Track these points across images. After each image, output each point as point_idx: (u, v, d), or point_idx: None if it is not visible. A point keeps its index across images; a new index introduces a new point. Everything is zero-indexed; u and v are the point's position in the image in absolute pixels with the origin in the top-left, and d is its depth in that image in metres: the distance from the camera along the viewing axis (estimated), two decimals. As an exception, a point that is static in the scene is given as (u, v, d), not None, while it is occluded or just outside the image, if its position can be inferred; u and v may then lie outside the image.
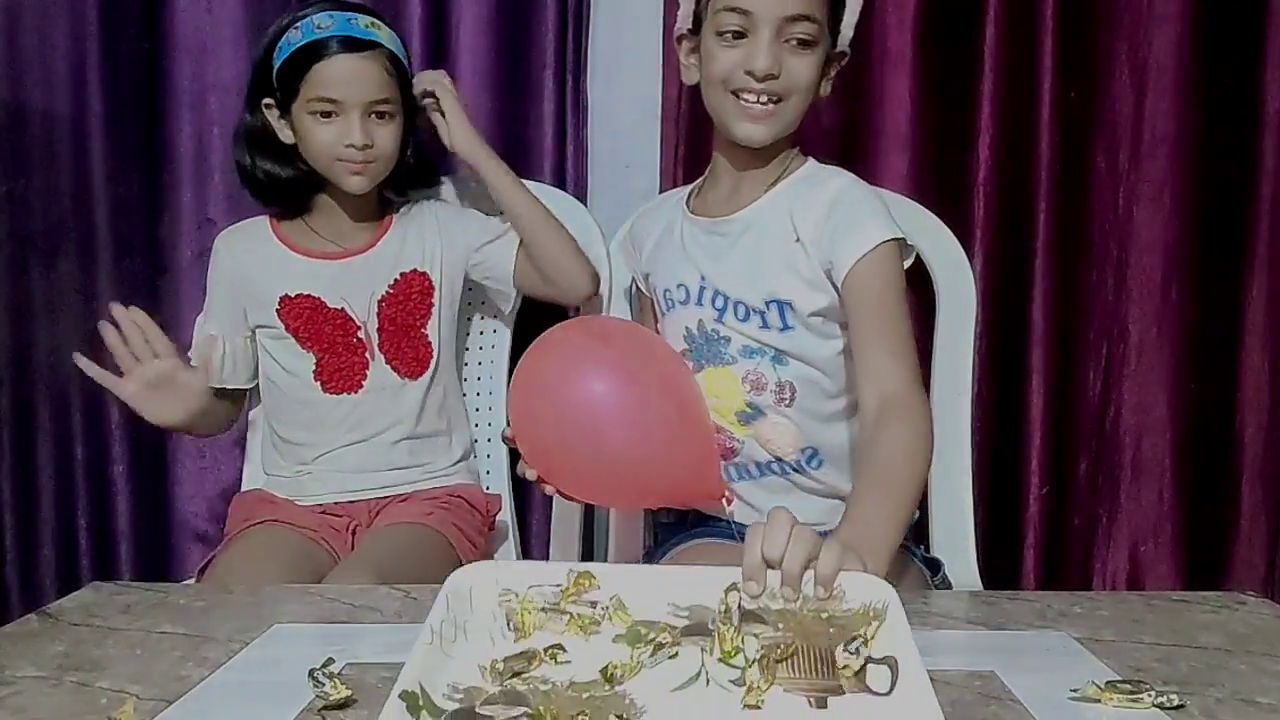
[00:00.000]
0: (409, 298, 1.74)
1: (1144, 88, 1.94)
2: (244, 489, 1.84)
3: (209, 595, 1.22)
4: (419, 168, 1.79)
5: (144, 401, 1.61)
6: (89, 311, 1.99)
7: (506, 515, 1.86)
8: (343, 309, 1.71)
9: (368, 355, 1.72)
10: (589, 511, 1.83)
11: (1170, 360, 1.99)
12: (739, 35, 1.43)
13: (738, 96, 1.45)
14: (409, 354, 1.74)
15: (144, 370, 1.59)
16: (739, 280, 1.50)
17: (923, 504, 1.73)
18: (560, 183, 1.99)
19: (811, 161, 1.56)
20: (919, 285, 1.90)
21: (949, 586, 1.58)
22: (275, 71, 1.64)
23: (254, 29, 1.97)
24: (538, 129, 2.00)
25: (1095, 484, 2.03)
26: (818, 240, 1.45)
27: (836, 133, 1.94)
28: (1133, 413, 2.00)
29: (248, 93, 1.71)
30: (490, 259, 1.77)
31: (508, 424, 1.50)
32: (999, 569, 1.91)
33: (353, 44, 1.61)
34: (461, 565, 1.58)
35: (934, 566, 1.56)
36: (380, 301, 1.72)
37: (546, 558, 1.84)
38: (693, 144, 1.95)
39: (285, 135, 1.68)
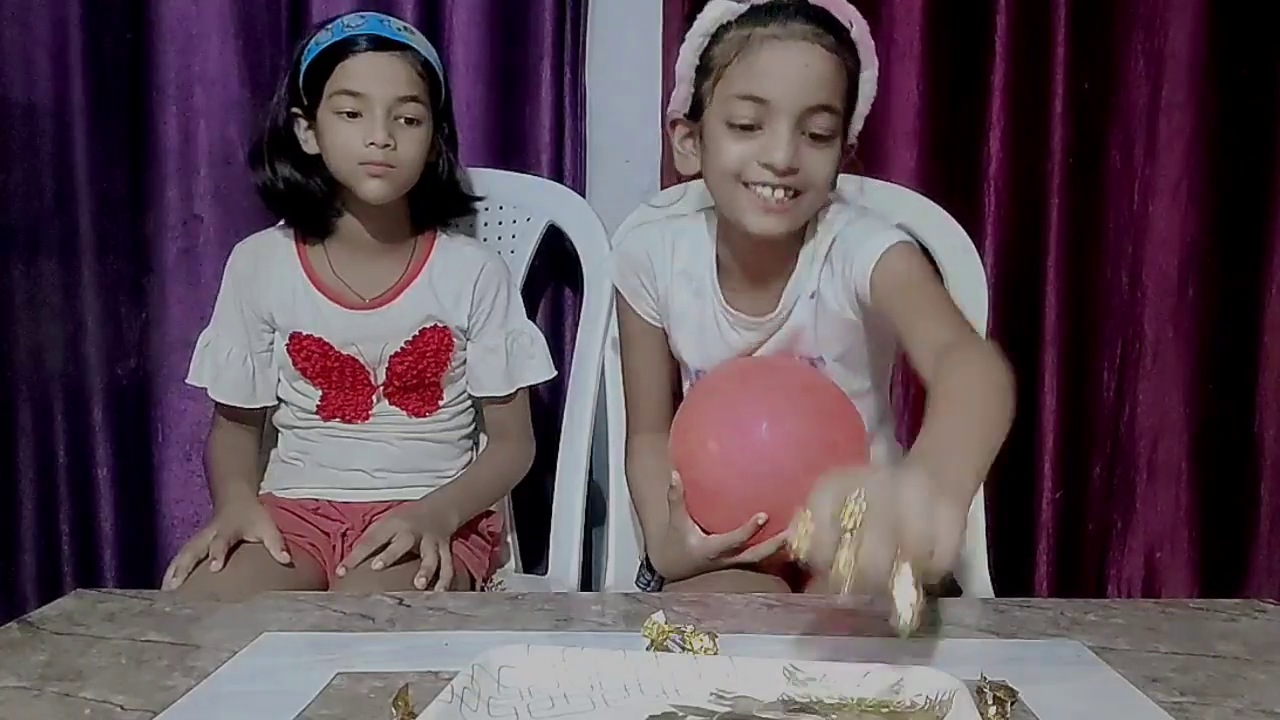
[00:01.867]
0: (424, 354, 1.70)
1: (1160, 79, 1.92)
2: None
3: (196, 603, 1.20)
4: (453, 190, 1.74)
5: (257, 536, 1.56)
6: (71, 310, 1.97)
7: (510, 534, 1.85)
8: (352, 355, 1.68)
9: (374, 398, 1.70)
10: (588, 526, 1.81)
11: (1187, 360, 1.97)
12: (753, 126, 1.36)
13: (749, 187, 1.38)
14: (415, 398, 1.72)
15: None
16: (789, 348, 1.50)
17: None
18: (558, 176, 1.97)
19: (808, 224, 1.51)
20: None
21: (957, 591, 1.57)
22: (303, 73, 1.61)
23: (240, 20, 1.97)
24: (535, 122, 1.98)
25: (1110, 488, 2.01)
26: (834, 281, 1.44)
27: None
28: (1148, 414, 1.98)
29: (275, 102, 1.67)
30: (471, 371, 1.75)
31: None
32: (1011, 575, 1.88)
33: (382, 43, 1.59)
34: (472, 579, 1.60)
35: None
36: (393, 356, 1.69)
37: (545, 569, 1.82)
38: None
39: (310, 146, 1.64)
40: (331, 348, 1.68)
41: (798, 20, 1.34)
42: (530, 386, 1.77)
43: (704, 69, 1.40)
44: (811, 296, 1.45)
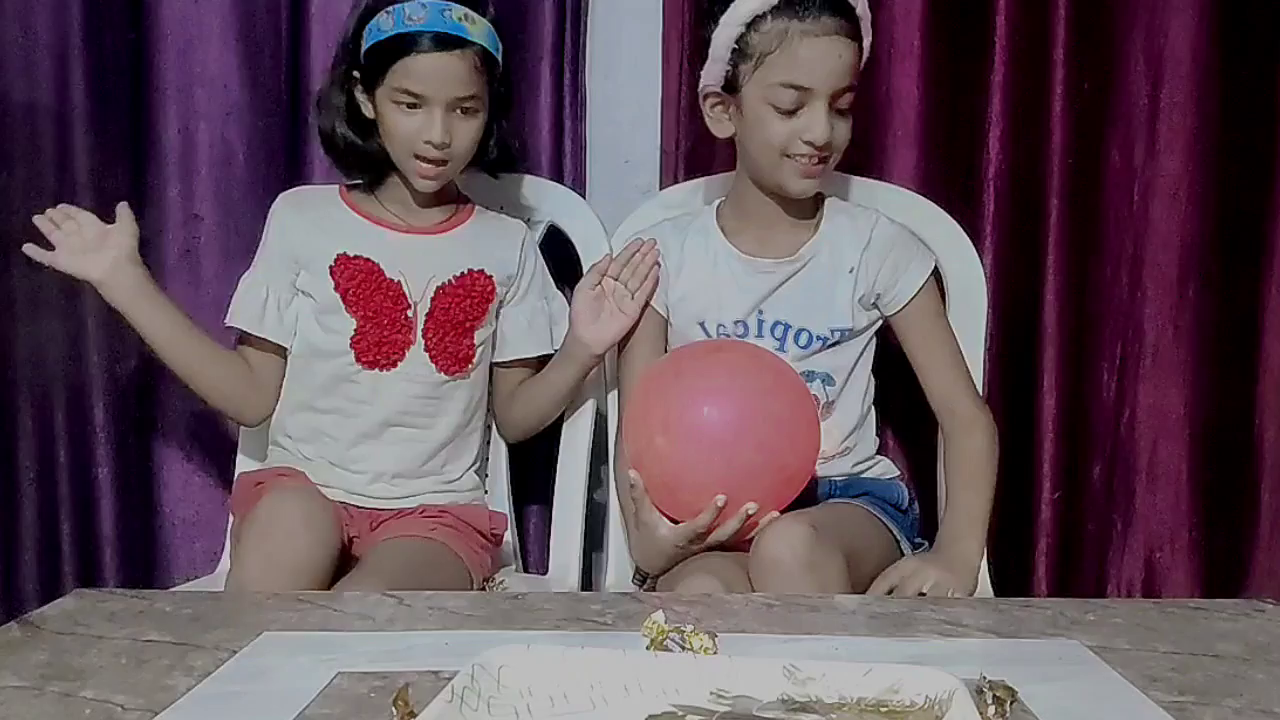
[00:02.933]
0: (469, 295, 1.71)
1: (1160, 79, 1.91)
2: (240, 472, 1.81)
3: (196, 602, 1.20)
4: (501, 158, 1.76)
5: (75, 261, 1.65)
6: (72, 310, 1.96)
7: (509, 534, 1.83)
8: (399, 282, 1.68)
9: (410, 336, 1.69)
10: (589, 525, 1.81)
11: (1187, 360, 1.96)
12: (794, 110, 1.55)
13: (791, 158, 1.58)
14: (450, 349, 1.71)
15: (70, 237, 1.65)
16: (801, 312, 1.65)
17: (932, 508, 1.75)
18: (558, 177, 1.96)
19: (826, 198, 1.71)
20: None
21: None
22: (363, 51, 1.62)
23: (241, 21, 1.96)
24: (535, 123, 1.97)
25: (1109, 488, 1.99)
26: (868, 273, 1.64)
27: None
28: (1148, 415, 1.97)
29: (334, 60, 1.71)
30: (513, 336, 1.78)
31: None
32: (1011, 576, 1.88)
33: (443, 41, 1.59)
34: (472, 579, 1.59)
35: (915, 546, 1.66)
36: (440, 288, 1.70)
37: (545, 569, 1.82)
38: (693, 138, 1.92)
39: (368, 110, 1.67)
40: (379, 269, 1.68)
41: (826, 14, 1.54)
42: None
43: (741, 53, 1.57)
44: (850, 272, 1.64)
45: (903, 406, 1.92)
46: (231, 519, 1.73)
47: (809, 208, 1.68)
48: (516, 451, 1.88)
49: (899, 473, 1.75)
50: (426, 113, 1.60)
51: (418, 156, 1.63)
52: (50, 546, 2.03)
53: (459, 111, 1.62)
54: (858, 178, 1.84)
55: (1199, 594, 1.96)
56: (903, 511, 1.68)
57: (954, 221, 1.79)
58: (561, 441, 1.82)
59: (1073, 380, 1.95)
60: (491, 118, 1.69)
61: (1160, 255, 1.94)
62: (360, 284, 1.67)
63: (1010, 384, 1.94)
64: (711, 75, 1.62)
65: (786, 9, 1.53)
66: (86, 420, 2.01)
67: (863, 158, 1.91)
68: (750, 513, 1.42)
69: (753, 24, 1.55)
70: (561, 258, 1.91)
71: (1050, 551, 1.96)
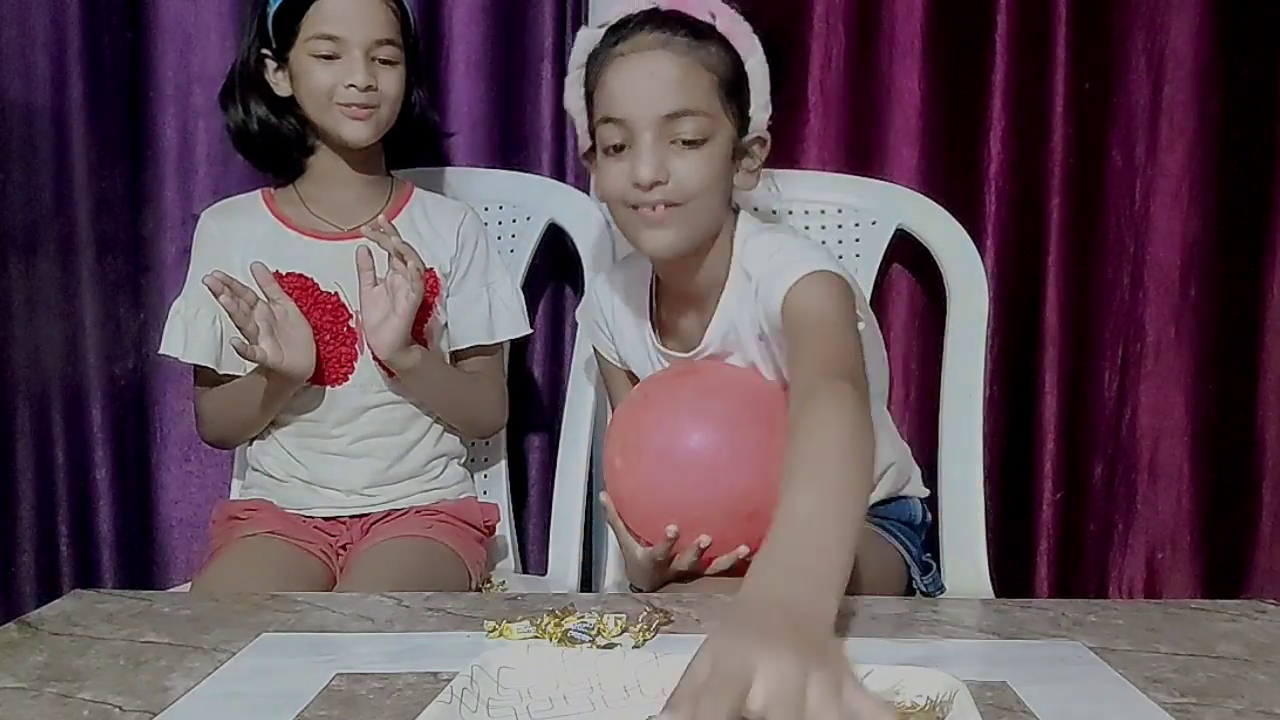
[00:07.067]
0: None
1: (1161, 78, 1.89)
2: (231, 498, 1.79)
3: (195, 603, 1.20)
4: (422, 127, 1.73)
5: (278, 352, 1.52)
6: (70, 310, 1.96)
7: (505, 528, 1.82)
8: (336, 294, 1.63)
9: (356, 347, 1.64)
10: (589, 521, 1.81)
11: (1189, 360, 1.94)
12: (622, 148, 1.32)
13: (636, 209, 1.34)
14: None
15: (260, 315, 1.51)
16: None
17: (933, 508, 1.71)
18: (559, 174, 1.95)
19: (737, 247, 1.42)
20: (928, 281, 1.88)
21: (940, 589, 1.59)
22: (273, 15, 1.58)
23: (239, 20, 1.94)
24: (535, 120, 1.97)
25: (1111, 488, 1.97)
26: (770, 324, 1.33)
27: (844, 125, 1.89)
28: (1150, 414, 1.95)
29: (244, 43, 1.65)
30: (452, 325, 1.71)
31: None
32: (1011, 576, 1.87)
33: None
34: (470, 577, 1.58)
35: (925, 567, 1.57)
36: None
37: (545, 570, 1.81)
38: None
39: (282, 88, 1.62)
40: (314, 284, 1.62)
41: (644, 31, 1.31)
42: (529, 377, 1.75)
43: (589, 99, 1.37)
44: (760, 339, 1.38)
45: (901, 407, 1.93)
46: (210, 533, 1.70)
47: (716, 277, 1.42)
48: (515, 451, 1.87)
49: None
50: (345, 60, 1.57)
51: (341, 104, 1.58)
52: (48, 547, 2.04)
53: (378, 62, 1.59)
54: (857, 177, 1.84)
55: (1200, 594, 1.95)
56: (915, 528, 1.60)
57: (955, 220, 1.78)
58: (561, 441, 1.82)
59: (1074, 380, 1.94)
60: (411, 77, 1.65)
61: (1161, 254, 1.92)
62: (296, 301, 1.59)
63: (1011, 383, 1.93)
64: (581, 135, 1.42)
65: (608, 37, 1.33)
66: (84, 421, 2.01)
67: (863, 157, 1.91)
68: (703, 546, 1.28)
69: (588, 64, 1.36)
70: (562, 256, 1.92)
71: (1051, 552, 1.95)
